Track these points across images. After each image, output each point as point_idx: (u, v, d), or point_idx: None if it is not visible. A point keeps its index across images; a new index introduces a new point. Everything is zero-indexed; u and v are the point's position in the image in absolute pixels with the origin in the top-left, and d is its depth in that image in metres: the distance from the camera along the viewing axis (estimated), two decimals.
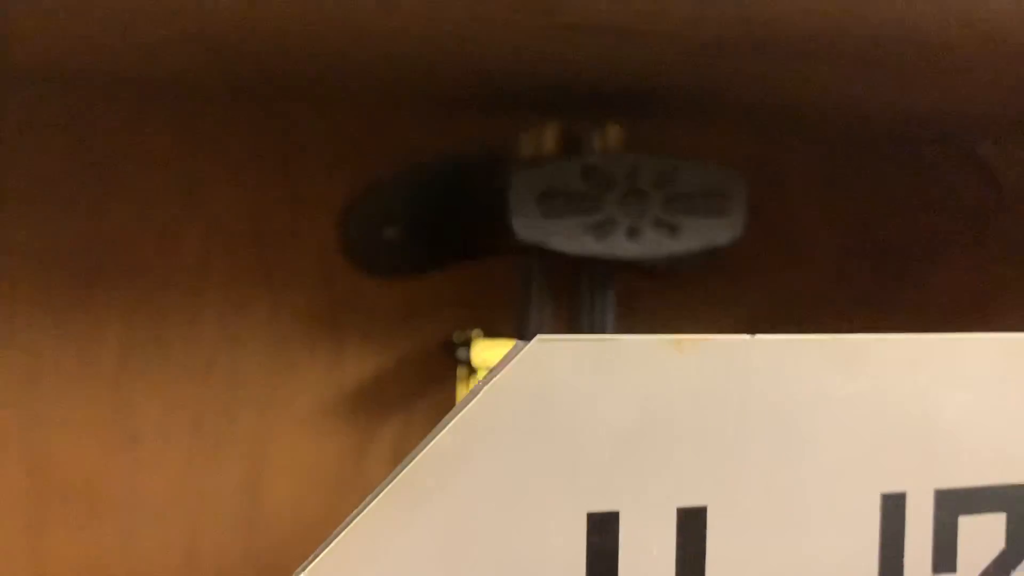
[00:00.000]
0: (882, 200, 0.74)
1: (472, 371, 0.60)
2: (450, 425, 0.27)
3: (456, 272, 0.65)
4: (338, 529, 0.26)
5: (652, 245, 0.56)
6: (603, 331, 0.62)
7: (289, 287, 0.63)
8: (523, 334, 0.63)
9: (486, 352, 0.59)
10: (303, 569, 0.26)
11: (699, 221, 0.56)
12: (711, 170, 0.56)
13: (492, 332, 0.67)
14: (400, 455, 0.65)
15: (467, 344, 0.60)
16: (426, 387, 0.65)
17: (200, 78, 0.56)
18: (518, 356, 0.28)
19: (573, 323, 0.63)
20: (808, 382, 0.31)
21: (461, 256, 0.64)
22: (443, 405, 0.64)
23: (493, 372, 0.28)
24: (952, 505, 0.32)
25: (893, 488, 0.32)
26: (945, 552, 0.32)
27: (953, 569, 0.33)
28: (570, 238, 0.54)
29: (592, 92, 0.60)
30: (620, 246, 0.55)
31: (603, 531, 0.29)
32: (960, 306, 0.75)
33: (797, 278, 0.73)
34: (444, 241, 0.63)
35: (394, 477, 0.27)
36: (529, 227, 0.54)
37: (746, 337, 0.31)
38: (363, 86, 0.60)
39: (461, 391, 0.61)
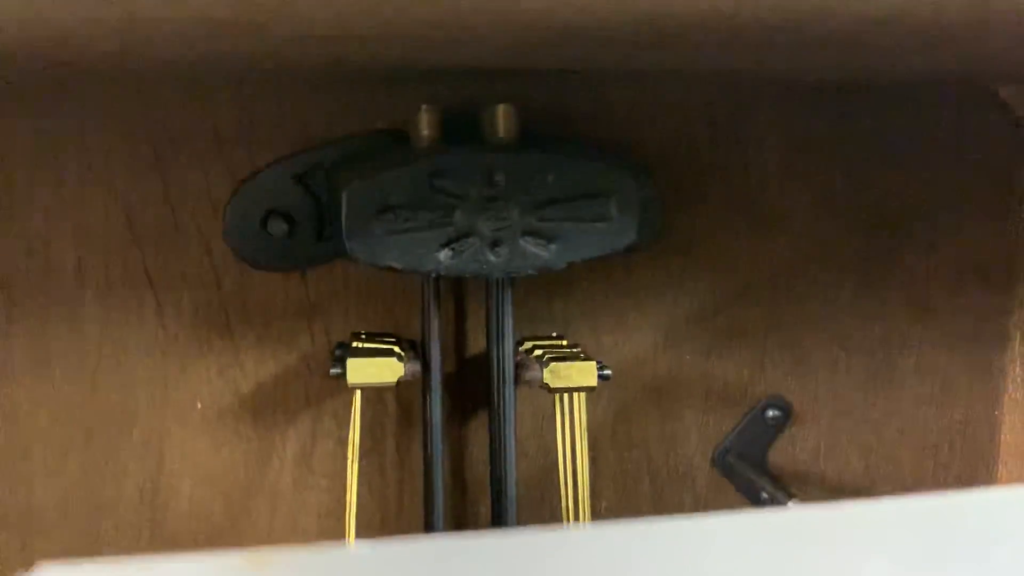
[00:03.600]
0: (875, 151, 0.62)
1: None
2: None
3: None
4: None
5: (522, 258, 0.48)
6: (503, 328, 0.54)
7: (173, 286, 0.58)
8: (427, 333, 0.56)
9: (363, 370, 0.53)
10: None
11: (579, 228, 0.48)
12: (590, 167, 0.47)
13: (403, 327, 0.60)
14: (308, 458, 0.61)
15: (344, 355, 0.54)
16: (335, 386, 0.60)
17: (57, 58, 0.50)
18: None
19: (488, 315, 0.56)
20: None
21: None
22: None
23: None
24: None
25: None
26: None
27: None
28: (418, 256, 0.47)
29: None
30: (482, 261, 0.48)
31: None
32: (974, 276, 0.63)
33: (766, 247, 0.62)
34: (328, 234, 0.57)
35: None
36: (367, 247, 0.47)
37: (345, 547, 0.24)
38: (241, 70, 0.53)
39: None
